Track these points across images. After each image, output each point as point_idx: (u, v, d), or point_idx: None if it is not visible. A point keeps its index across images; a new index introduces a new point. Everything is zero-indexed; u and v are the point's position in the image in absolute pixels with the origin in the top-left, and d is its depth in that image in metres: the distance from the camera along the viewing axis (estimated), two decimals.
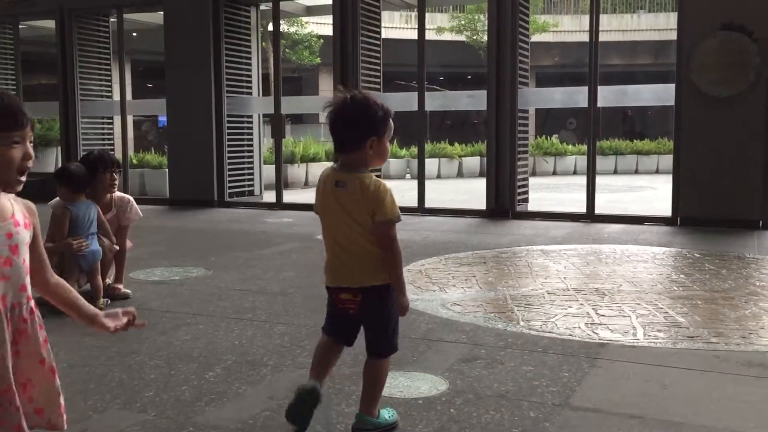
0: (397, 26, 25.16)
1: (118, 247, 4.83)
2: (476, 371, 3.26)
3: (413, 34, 10.35)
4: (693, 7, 8.27)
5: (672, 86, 8.54)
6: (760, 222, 7.96)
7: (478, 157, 19.15)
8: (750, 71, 7.94)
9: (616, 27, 26.66)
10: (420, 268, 5.77)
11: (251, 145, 11.41)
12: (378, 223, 2.48)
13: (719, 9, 8.02)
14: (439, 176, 18.93)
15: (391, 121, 2.57)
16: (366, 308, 2.57)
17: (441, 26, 24.67)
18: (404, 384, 3.09)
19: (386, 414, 2.66)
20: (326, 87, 22.35)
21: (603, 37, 9.86)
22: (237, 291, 4.98)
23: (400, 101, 11.22)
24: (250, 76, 11.42)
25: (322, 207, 2.60)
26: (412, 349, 3.59)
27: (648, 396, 2.96)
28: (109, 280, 4.84)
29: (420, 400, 2.90)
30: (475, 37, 23.88)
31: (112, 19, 12.15)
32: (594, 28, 9.06)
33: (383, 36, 11.27)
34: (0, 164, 1.79)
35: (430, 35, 22.30)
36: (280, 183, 10.81)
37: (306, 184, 15.48)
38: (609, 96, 9.57)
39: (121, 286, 4.86)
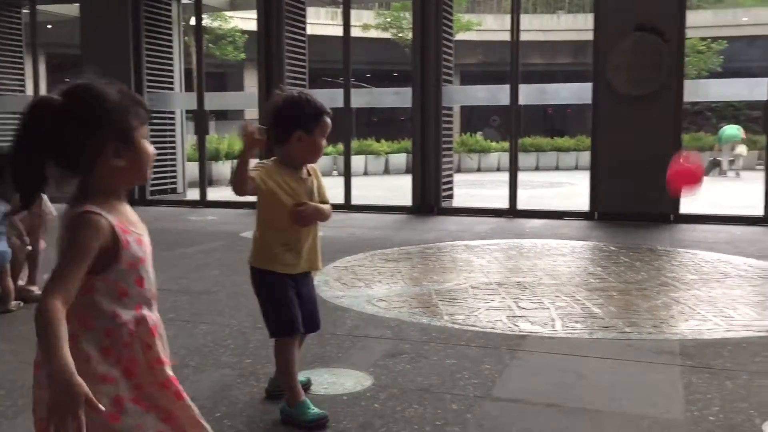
0: (322, 22, 25.06)
1: (30, 248, 4.64)
2: (401, 366, 3.29)
3: (339, 31, 10.34)
4: (608, 8, 8.56)
5: (589, 85, 8.82)
6: (671, 216, 8.32)
7: (405, 154, 19.30)
8: (662, 71, 8.28)
9: (537, 27, 27.35)
10: (346, 264, 5.77)
11: (173, 142, 11.15)
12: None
13: (633, 11, 8.33)
14: (365, 173, 18.99)
15: (326, 119, 2.66)
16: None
17: (367, 23, 24.73)
18: (329, 381, 3.09)
19: (308, 409, 2.65)
20: (252, 83, 22.05)
21: (524, 37, 10.08)
22: (159, 291, 4.86)
23: (326, 98, 11.06)
24: (171, 71, 11.17)
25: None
26: (337, 346, 3.60)
27: (565, 385, 3.05)
28: (21, 282, 4.65)
29: (345, 396, 2.91)
30: (400, 35, 24.05)
31: (24, 11, 11.65)
32: (515, 28, 9.26)
33: (309, 32, 11.20)
34: (144, 159, 1.65)
35: (356, 32, 22.31)
36: (204, 181, 10.62)
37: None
38: (530, 94, 9.81)
39: (34, 288, 4.67)
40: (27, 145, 1.50)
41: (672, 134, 8.33)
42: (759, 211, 8.36)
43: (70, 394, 1.38)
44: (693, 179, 3.13)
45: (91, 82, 1.58)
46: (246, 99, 15.80)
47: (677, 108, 8.38)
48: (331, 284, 5.06)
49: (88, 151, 1.55)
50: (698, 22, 25.20)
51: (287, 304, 2.67)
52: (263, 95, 10.20)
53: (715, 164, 18.28)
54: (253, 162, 2.65)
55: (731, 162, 18.80)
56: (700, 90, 10.90)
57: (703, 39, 24.73)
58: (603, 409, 2.78)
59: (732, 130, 17.72)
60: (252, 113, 18.49)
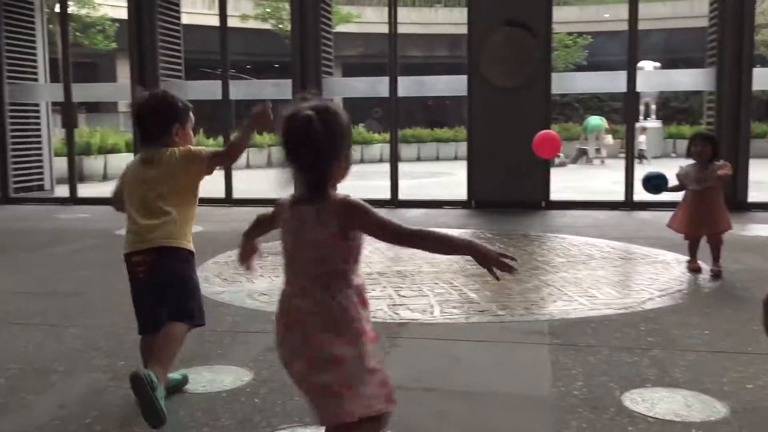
0: (199, 12, 24.35)
1: None
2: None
3: (217, 21, 10.10)
4: (480, 3, 8.84)
5: (465, 77, 9.09)
6: (542, 203, 8.74)
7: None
8: (532, 65, 8.65)
9: (415, 20, 27.81)
10: (227, 259, 5.67)
11: (39, 136, 10.54)
12: (205, 158, 2.81)
13: (504, 6, 8.65)
14: (248, 166, 18.69)
15: (191, 112, 2.92)
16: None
17: (246, 14, 24.26)
18: (208, 378, 3.04)
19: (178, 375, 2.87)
20: (125, 74, 21.13)
21: (403, 30, 10.24)
22: (23, 294, 4.60)
23: (204, 90, 10.91)
24: (35, 61, 10.53)
25: (123, 186, 2.86)
26: (217, 342, 3.54)
27: (442, 369, 3.15)
28: None
29: (224, 393, 2.87)
30: (280, 26, 23.77)
31: None
32: (393, 21, 9.39)
33: (185, 21, 10.87)
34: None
35: (234, 22, 21.86)
36: (74, 176, 10.11)
37: (105, 178, 14.58)
38: (409, 86, 9.98)
39: None
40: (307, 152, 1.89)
41: (542, 124, 8.71)
42: (620, 197, 8.93)
43: (487, 253, 1.96)
44: (553, 143, 3.83)
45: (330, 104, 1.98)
46: (118, 90, 15.13)
47: (546, 99, 8.79)
48: (211, 280, 4.96)
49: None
50: (565, 17, 26.50)
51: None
52: (136, 86, 9.81)
53: (582, 153, 19.32)
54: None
55: (597, 150, 19.92)
56: (566, 82, 11.49)
57: (569, 34, 26.02)
58: (477, 390, 2.90)
59: (596, 120, 18.76)
60: (127, 105, 17.73)
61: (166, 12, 10.13)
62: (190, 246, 2.84)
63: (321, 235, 1.93)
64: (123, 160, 15.68)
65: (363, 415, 1.88)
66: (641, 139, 18.94)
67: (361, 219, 1.95)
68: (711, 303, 4.24)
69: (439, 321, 3.92)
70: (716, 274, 4.92)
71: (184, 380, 2.93)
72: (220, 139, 16.05)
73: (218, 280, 4.98)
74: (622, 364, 3.17)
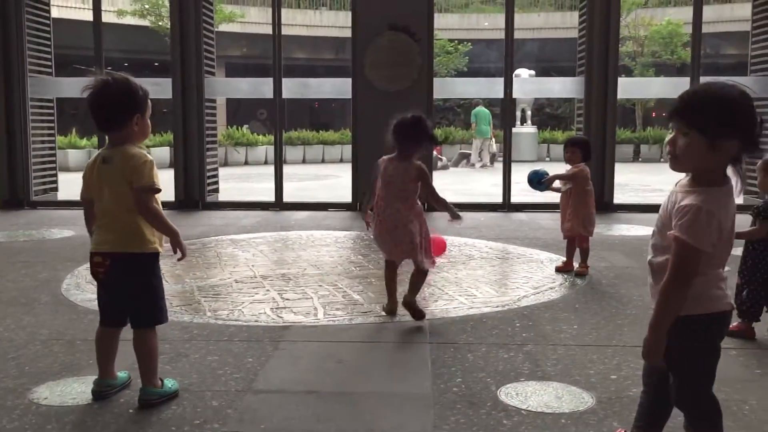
0: (71, 6, 23.14)
1: None
2: (159, 367, 3.17)
3: (90, 16, 9.63)
4: (364, 7, 8.93)
5: (349, 80, 9.14)
6: (425, 205, 8.92)
7: (168, 148, 18.55)
8: (414, 69, 8.82)
9: (300, 22, 27.67)
10: None
11: None
12: (135, 189, 2.68)
13: (387, 10, 8.77)
14: None
15: (149, 100, 2.83)
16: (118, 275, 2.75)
17: (122, 9, 23.29)
18: (78, 390, 2.89)
19: (169, 383, 2.84)
20: None
21: (287, 31, 10.19)
22: None
23: (77, 87, 10.35)
24: None
25: (89, 187, 2.79)
26: (89, 352, 3.36)
27: (325, 371, 3.16)
28: None
29: (95, 406, 2.74)
30: (160, 23, 22.98)
31: None
32: (277, 22, 9.30)
33: (56, 15, 10.32)
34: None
35: (110, 18, 20.93)
36: None
37: None
38: (293, 88, 9.93)
39: None
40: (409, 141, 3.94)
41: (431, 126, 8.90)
42: (499, 199, 9.26)
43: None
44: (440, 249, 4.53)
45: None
46: None
47: (429, 103, 8.98)
48: (83, 287, 4.73)
49: None
50: (447, 24, 27.23)
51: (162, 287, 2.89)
52: (1, 82, 9.21)
53: (463, 156, 19.88)
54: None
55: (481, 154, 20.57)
56: (448, 87, 11.81)
57: (451, 40, 26.75)
58: (359, 391, 2.92)
59: (485, 126, 19.23)
60: None
61: (35, 5, 9.57)
62: (152, 247, 2.77)
63: (407, 178, 3.89)
64: None
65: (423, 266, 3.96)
66: (478, 145, 19.77)
67: (425, 176, 3.93)
68: (580, 299, 4.48)
69: (322, 323, 3.92)
70: (581, 273, 5.16)
71: (128, 378, 2.94)
72: (94, 139, 15.33)
73: (91, 287, 4.74)
74: (499, 360, 3.30)
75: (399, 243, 3.90)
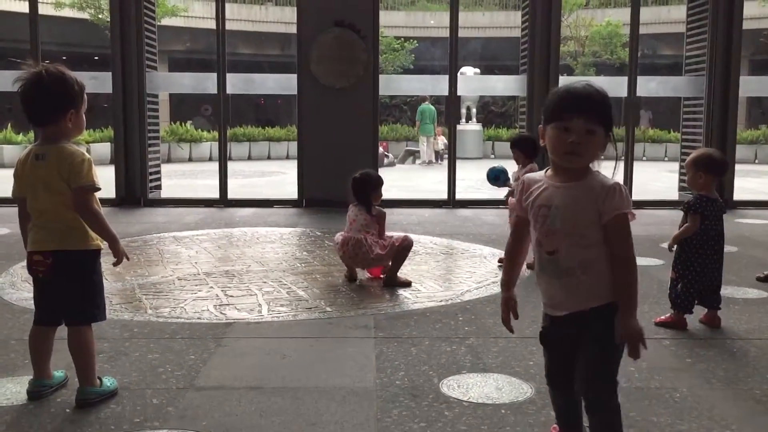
0: None
1: None
2: (98, 366, 3.11)
3: (26, 7, 9.33)
4: (310, 3, 8.90)
5: (295, 76, 9.10)
6: None
7: (108, 144, 18.12)
8: (359, 65, 8.83)
9: (245, 17, 27.37)
10: None
11: None
12: (74, 189, 2.61)
13: (332, 7, 8.75)
14: None
15: (85, 94, 2.73)
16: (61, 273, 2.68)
17: (60, 1, 22.63)
18: (13, 390, 2.81)
19: (107, 382, 2.79)
20: None
21: (232, 26, 10.07)
22: None
23: (12, 80, 10.06)
24: None
25: (21, 185, 2.70)
26: (23, 352, 3.27)
27: (268, 367, 3.15)
28: None
29: (31, 405, 2.68)
30: (100, 16, 22.43)
31: None
32: (220, 16, 9.19)
33: None
34: None
35: (47, 10, 20.31)
36: None
37: None
38: (238, 84, 9.83)
39: None
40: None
41: (371, 125, 8.95)
42: (444, 195, 9.36)
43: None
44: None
45: None
46: None
47: (375, 100, 9.01)
48: (18, 285, 4.60)
49: None
50: (393, 22, 27.31)
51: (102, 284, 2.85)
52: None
53: (410, 153, 20.00)
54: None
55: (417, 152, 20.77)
56: (394, 84, 11.86)
57: (397, 38, 26.85)
58: (303, 386, 2.92)
59: (429, 125, 19.34)
60: None
61: None
62: (94, 244, 2.71)
63: (366, 220, 4.83)
64: None
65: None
66: (439, 141, 19.97)
67: (382, 220, 4.92)
68: (520, 293, 4.55)
69: (266, 320, 3.90)
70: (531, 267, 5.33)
71: (65, 377, 2.88)
72: (31, 134, 14.87)
73: (27, 285, 4.61)
74: (441, 353, 3.34)
75: (360, 262, 4.84)
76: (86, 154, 2.68)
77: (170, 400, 2.75)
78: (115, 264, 2.76)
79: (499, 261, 5.44)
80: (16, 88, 2.65)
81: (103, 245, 2.77)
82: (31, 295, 4.29)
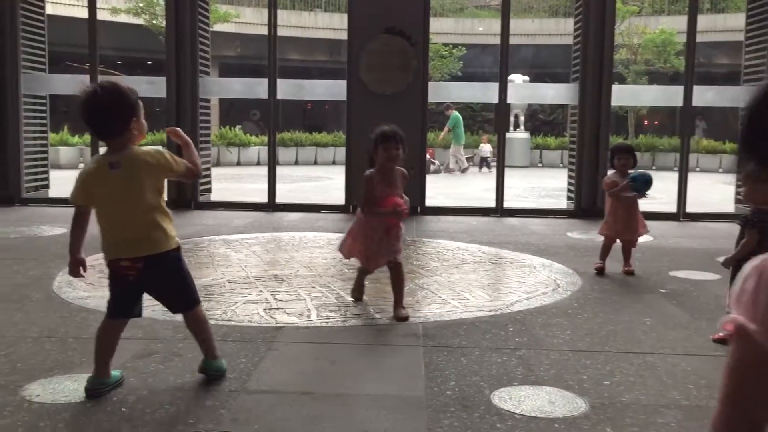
0: (65, 2, 23.07)
1: None
2: (152, 366, 3.17)
3: (85, 13, 9.60)
4: (360, 10, 8.94)
5: (344, 82, 9.15)
6: (418, 208, 8.93)
7: (160, 147, 18.50)
8: (409, 72, 8.84)
9: (295, 23, 27.66)
10: (93, 263, 5.38)
11: None
12: (177, 174, 2.87)
13: (383, 14, 8.78)
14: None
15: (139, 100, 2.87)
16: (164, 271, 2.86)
17: (116, 7, 23.21)
18: (70, 388, 2.87)
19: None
20: None
21: (282, 32, 10.17)
22: None
23: (71, 84, 10.35)
24: None
25: (91, 195, 2.78)
26: (81, 350, 3.36)
27: (318, 373, 3.15)
28: None
29: (88, 404, 2.73)
30: (154, 22, 22.92)
31: None
32: (272, 23, 9.30)
33: (50, 12, 10.28)
34: None
35: (104, 15, 20.84)
36: None
37: None
38: (287, 89, 9.92)
39: None
40: None
41: (419, 132, 8.93)
42: (491, 204, 9.28)
43: None
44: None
45: None
46: None
47: (423, 107, 9.00)
48: (74, 284, 4.70)
49: None
50: (442, 28, 27.28)
51: None
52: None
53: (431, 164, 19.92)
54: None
55: (469, 160, 20.62)
56: (442, 91, 11.83)
57: (445, 44, 26.80)
58: (353, 393, 2.92)
59: (461, 129, 19.12)
60: None
61: (30, 1, 9.53)
62: (176, 241, 2.89)
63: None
64: None
65: None
66: (484, 148, 19.75)
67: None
68: (572, 305, 4.49)
69: (315, 325, 3.91)
70: (629, 273, 5.42)
71: (121, 376, 2.96)
72: (86, 136, 15.24)
73: (83, 284, 4.72)
74: (492, 364, 3.30)
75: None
76: (156, 146, 2.87)
77: (222, 402, 2.77)
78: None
79: (596, 268, 5.49)
80: (78, 109, 2.74)
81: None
82: (88, 294, 4.42)
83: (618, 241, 5.54)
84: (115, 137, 2.77)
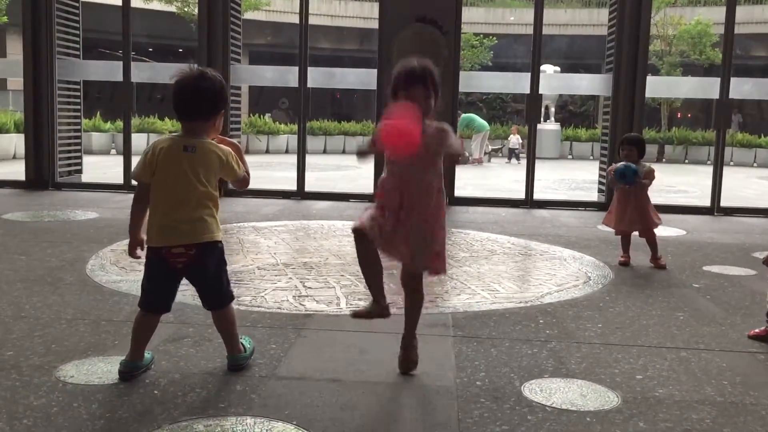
0: None
1: None
2: (183, 350, 3.19)
3: (118, 0, 9.68)
4: None
5: (375, 71, 9.11)
6: (447, 198, 8.89)
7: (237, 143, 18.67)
8: (440, 61, 8.77)
9: (325, 12, 27.65)
10: (125, 247, 5.45)
11: None
12: (234, 182, 2.94)
13: (414, 2, 8.72)
14: None
15: None
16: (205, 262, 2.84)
17: None
18: (104, 369, 2.91)
19: (246, 343, 3.07)
20: (15, 50, 19.91)
21: (313, 21, 10.16)
22: None
23: (104, 70, 10.48)
24: None
25: (156, 170, 2.75)
26: (114, 333, 3.40)
27: (347, 361, 3.15)
28: None
29: (122, 385, 2.76)
30: (186, 9, 23.06)
31: None
32: (304, 11, 9.29)
33: None
34: None
35: (136, 2, 21.05)
36: None
37: None
38: (318, 78, 9.91)
39: None
40: None
41: (450, 121, 8.86)
42: (521, 195, 9.21)
43: None
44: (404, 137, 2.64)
45: None
46: (8, 67, 14.23)
47: (454, 97, 8.94)
48: (107, 268, 4.76)
49: None
50: (472, 18, 27.08)
51: None
52: (30, 63, 9.29)
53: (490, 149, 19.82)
54: None
55: (496, 151, 20.48)
56: (473, 81, 11.75)
57: (476, 34, 26.60)
58: (383, 381, 2.91)
59: (480, 120, 18.96)
60: (17, 83, 16.72)
61: None
62: (221, 235, 2.91)
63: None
64: (11, 142, 14.71)
65: None
66: (513, 139, 19.57)
67: None
68: (603, 298, 4.44)
69: (345, 313, 3.91)
70: (660, 266, 5.35)
71: (152, 358, 2.99)
72: (118, 122, 15.40)
73: (115, 268, 4.78)
74: (522, 356, 3.27)
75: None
76: (227, 147, 2.85)
77: (253, 387, 2.78)
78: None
79: (619, 262, 5.46)
80: (173, 81, 2.75)
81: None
82: (121, 278, 4.48)
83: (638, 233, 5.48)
84: (198, 120, 2.77)
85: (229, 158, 2.83)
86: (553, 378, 3.00)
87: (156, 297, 2.88)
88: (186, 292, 4.15)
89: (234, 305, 3.02)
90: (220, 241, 2.89)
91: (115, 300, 3.99)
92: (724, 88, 8.90)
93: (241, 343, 3.02)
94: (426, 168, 2.88)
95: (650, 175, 5.33)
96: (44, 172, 9.47)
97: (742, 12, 21.35)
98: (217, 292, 2.93)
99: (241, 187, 3.01)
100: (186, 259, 2.78)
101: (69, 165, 10.01)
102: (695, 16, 25.35)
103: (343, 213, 7.94)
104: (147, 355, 2.93)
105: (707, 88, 9.90)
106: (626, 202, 5.36)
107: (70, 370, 2.89)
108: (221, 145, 2.84)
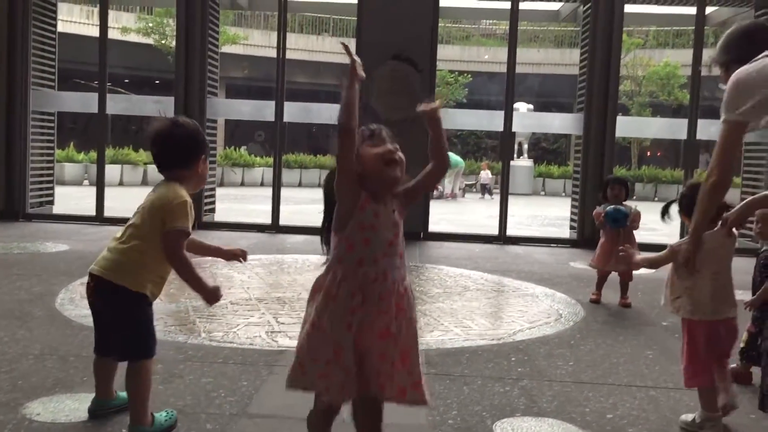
0: (76, 21, 23.33)
1: None
2: (153, 387, 3.14)
3: (95, 31, 9.70)
4: (369, 36, 9.02)
5: None
6: (421, 234, 8.94)
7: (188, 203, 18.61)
8: (416, 99, 8.87)
9: (303, 47, 27.91)
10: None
11: None
12: (164, 232, 2.56)
13: (391, 39, 8.85)
14: (121, 183, 17.95)
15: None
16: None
17: (126, 26, 23.46)
18: (71, 407, 2.86)
19: (161, 418, 2.67)
20: None
21: (290, 55, 10.26)
22: None
23: (80, 102, 10.46)
24: None
25: None
26: (83, 369, 3.35)
27: None
28: None
29: (89, 423, 2.72)
30: (163, 42, 23.16)
31: None
32: (281, 46, 9.39)
33: (60, 29, 10.39)
34: None
35: (113, 34, 21.11)
36: None
37: None
38: (295, 112, 9.98)
39: None
40: None
41: (425, 159, 8.94)
42: (495, 231, 9.29)
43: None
44: None
45: None
46: None
47: (427, 134, 9.02)
48: (77, 302, 4.70)
49: None
50: (448, 56, 27.49)
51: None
52: (4, 93, 9.23)
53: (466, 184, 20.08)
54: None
55: (470, 186, 20.68)
56: (448, 119, 11.83)
57: (451, 71, 27.00)
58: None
59: (455, 157, 19.26)
60: None
61: (42, 17, 9.64)
62: (141, 286, 2.58)
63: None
64: None
65: None
66: (484, 175, 19.87)
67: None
68: (575, 336, 4.48)
69: None
70: (626, 305, 5.41)
71: (172, 417, 2.75)
72: (93, 154, 15.30)
73: (85, 302, 4.71)
74: (494, 394, 3.28)
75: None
76: (187, 197, 2.60)
77: (224, 426, 2.76)
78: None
79: (591, 299, 5.53)
80: (148, 137, 2.65)
81: (154, 299, 2.69)
82: (90, 312, 4.42)
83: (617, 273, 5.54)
84: (173, 170, 2.65)
85: (176, 205, 2.54)
86: (524, 417, 3.01)
87: (95, 333, 2.76)
88: (157, 327, 4.12)
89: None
90: (132, 289, 2.56)
91: (84, 335, 3.93)
92: (692, 129, 9.12)
93: (152, 414, 2.64)
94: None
95: (637, 218, 5.42)
96: (15, 203, 9.36)
97: (708, 54, 21.93)
98: (117, 340, 2.62)
99: (167, 247, 2.57)
100: (88, 290, 2.65)
101: (41, 196, 9.91)
102: (664, 57, 26.03)
103: (317, 247, 7.90)
104: (122, 394, 2.77)
105: (675, 129, 10.15)
106: (616, 242, 5.31)
107: (37, 407, 2.84)
108: (181, 192, 2.60)
